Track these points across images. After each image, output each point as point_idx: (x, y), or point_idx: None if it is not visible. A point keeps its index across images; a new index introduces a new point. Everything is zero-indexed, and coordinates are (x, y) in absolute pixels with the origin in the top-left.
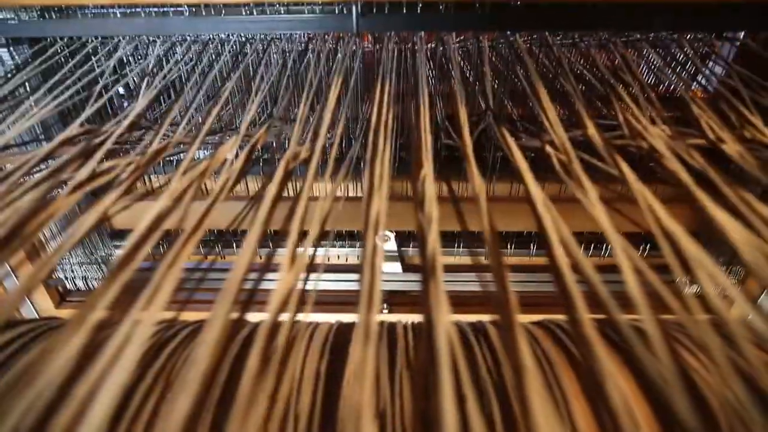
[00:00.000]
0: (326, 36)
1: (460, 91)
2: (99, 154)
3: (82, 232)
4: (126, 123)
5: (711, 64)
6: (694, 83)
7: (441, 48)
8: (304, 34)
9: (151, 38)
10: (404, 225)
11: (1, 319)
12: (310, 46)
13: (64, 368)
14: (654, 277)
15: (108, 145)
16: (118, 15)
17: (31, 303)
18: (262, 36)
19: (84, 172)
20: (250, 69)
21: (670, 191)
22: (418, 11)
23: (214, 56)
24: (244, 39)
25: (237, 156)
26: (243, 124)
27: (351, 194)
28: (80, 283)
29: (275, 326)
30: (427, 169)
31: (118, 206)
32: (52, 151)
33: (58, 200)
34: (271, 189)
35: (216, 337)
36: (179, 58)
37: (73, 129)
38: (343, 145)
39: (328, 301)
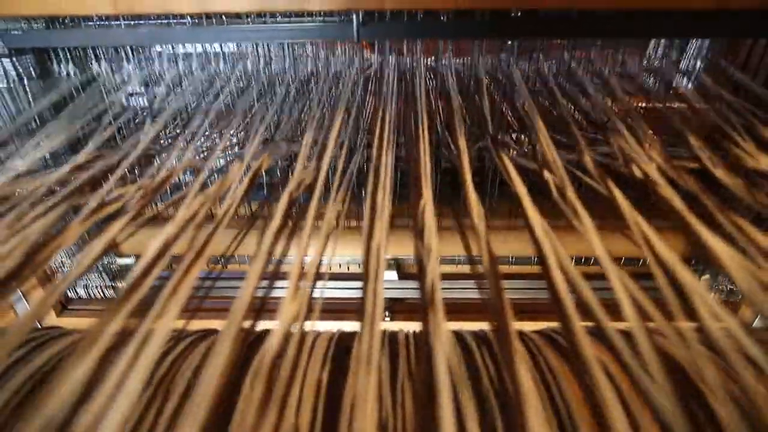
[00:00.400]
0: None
1: (459, 121)
2: (109, 183)
3: (90, 259)
4: (134, 154)
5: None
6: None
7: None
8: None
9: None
10: (403, 250)
11: (12, 345)
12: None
13: (81, 378)
14: (649, 305)
15: (117, 173)
16: (122, 26)
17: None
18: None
19: (93, 202)
20: (254, 94)
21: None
22: (419, 19)
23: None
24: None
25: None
26: (247, 151)
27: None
28: (81, 291)
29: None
30: (427, 199)
31: (126, 233)
32: (63, 178)
33: (69, 228)
34: (276, 216)
35: (228, 349)
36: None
37: (83, 156)
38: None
39: (328, 309)
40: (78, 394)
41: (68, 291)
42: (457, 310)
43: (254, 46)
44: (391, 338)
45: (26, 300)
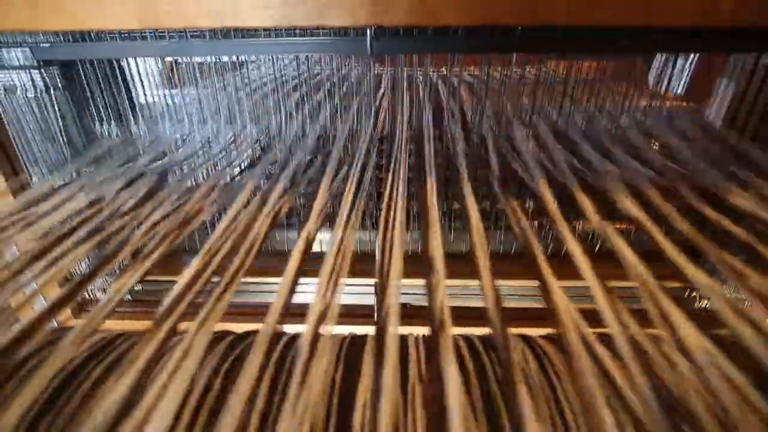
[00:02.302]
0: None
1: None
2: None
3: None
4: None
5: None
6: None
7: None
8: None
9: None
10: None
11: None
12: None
13: (131, 379)
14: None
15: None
16: (147, 38)
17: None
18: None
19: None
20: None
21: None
22: (430, 34)
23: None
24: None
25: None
26: (272, 197)
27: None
28: (99, 294)
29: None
30: (435, 233)
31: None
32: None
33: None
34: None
35: (261, 355)
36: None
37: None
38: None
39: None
40: (122, 402)
41: (86, 293)
42: (466, 316)
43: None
44: (402, 342)
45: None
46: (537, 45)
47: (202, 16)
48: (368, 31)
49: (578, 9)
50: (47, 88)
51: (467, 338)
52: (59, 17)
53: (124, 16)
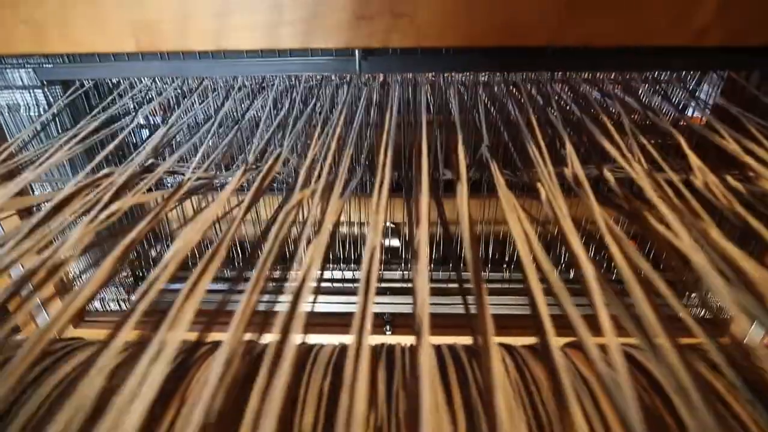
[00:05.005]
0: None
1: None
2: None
3: (100, 280)
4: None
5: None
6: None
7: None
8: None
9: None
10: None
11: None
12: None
13: (96, 387)
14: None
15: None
16: (141, 59)
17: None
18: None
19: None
20: (261, 107)
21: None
22: (418, 54)
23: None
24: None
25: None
26: (268, 159)
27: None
28: (97, 304)
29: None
30: (423, 241)
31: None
32: (69, 197)
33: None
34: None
35: (228, 360)
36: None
37: (84, 176)
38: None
39: (332, 323)
40: (92, 406)
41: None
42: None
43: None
44: (389, 351)
45: (46, 312)
46: (520, 64)
47: (196, 39)
48: (356, 52)
49: (555, 30)
50: (50, 107)
51: (451, 347)
52: (62, 41)
53: (121, 39)
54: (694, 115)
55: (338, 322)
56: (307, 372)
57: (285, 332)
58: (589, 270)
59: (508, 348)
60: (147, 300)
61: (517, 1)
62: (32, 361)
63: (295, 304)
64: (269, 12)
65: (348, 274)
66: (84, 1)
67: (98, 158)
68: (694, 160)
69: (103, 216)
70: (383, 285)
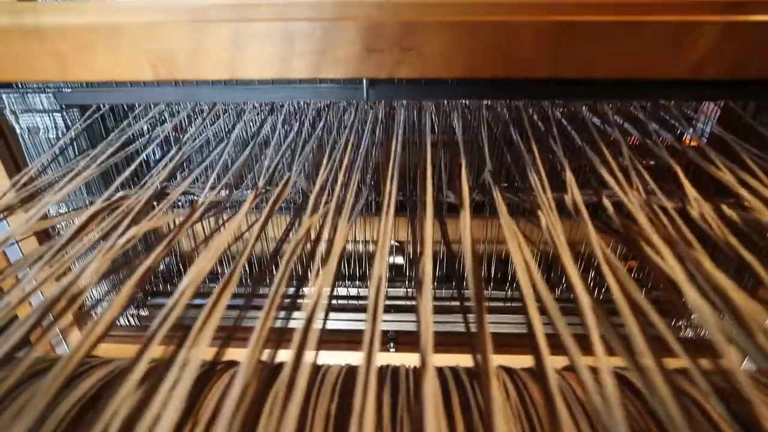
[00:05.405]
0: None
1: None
2: (142, 225)
3: (120, 306)
4: (150, 191)
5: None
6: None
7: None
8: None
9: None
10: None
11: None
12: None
13: (121, 410)
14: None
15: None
16: (156, 84)
17: (64, 340)
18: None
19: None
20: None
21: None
22: (423, 83)
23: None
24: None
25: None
26: (277, 183)
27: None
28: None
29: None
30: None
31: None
32: (84, 225)
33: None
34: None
35: (247, 380)
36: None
37: (101, 201)
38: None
39: (338, 340)
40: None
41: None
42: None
43: None
44: (394, 374)
45: (65, 340)
46: (521, 92)
47: (211, 69)
48: (364, 80)
49: (555, 63)
50: (68, 129)
51: (454, 370)
52: (84, 70)
53: (139, 69)
54: (692, 138)
55: (344, 339)
56: (314, 394)
57: (297, 359)
58: (584, 299)
59: (508, 371)
60: (165, 328)
61: (517, 36)
62: (56, 391)
63: (306, 331)
64: (281, 44)
65: (353, 291)
66: (105, 33)
67: (114, 185)
68: (690, 190)
69: (120, 243)
70: (387, 302)
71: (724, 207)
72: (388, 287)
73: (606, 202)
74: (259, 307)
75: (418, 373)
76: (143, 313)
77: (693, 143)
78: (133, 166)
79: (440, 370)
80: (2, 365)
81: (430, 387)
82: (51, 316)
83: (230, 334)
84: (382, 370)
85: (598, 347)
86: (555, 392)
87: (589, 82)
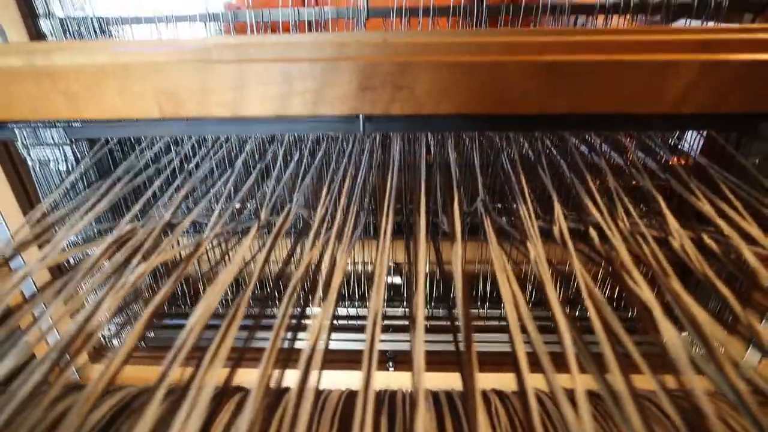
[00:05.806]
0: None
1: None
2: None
3: (129, 345)
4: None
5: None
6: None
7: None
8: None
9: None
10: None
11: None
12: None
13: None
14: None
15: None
16: (164, 120)
17: (78, 374)
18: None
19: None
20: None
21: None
22: (418, 117)
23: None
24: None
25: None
26: (279, 214)
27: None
28: (115, 342)
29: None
30: (420, 302)
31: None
32: (97, 260)
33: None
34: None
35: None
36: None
37: (112, 236)
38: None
39: (337, 359)
40: None
41: (103, 340)
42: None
43: None
44: (391, 398)
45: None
46: (511, 125)
47: (215, 107)
48: (360, 116)
49: (542, 101)
50: (77, 161)
51: (448, 394)
52: (95, 108)
53: (147, 107)
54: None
55: (343, 358)
56: (316, 419)
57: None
58: (566, 335)
59: (500, 395)
60: (176, 364)
61: (506, 76)
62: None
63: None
64: (281, 84)
65: (352, 311)
66: (114, 75)
67: (125, 219)
68: (672, 222)
69: (131, 280)
70: (386, 322)
71: (705, 236)
72: (386, 307)
73: (592, 232)
74: (266, 327)
75: (413, 398)
76: (149, 334)
77: (682, 161)
78: (142, 201)
79: (435, 395)
80: (27, 404)
81: (421, 421)
82: (68, 355)
83: (241, 354)
84: (380, 395)
85: (576, 374)
86: (534, 413)
87: (576, 115)
